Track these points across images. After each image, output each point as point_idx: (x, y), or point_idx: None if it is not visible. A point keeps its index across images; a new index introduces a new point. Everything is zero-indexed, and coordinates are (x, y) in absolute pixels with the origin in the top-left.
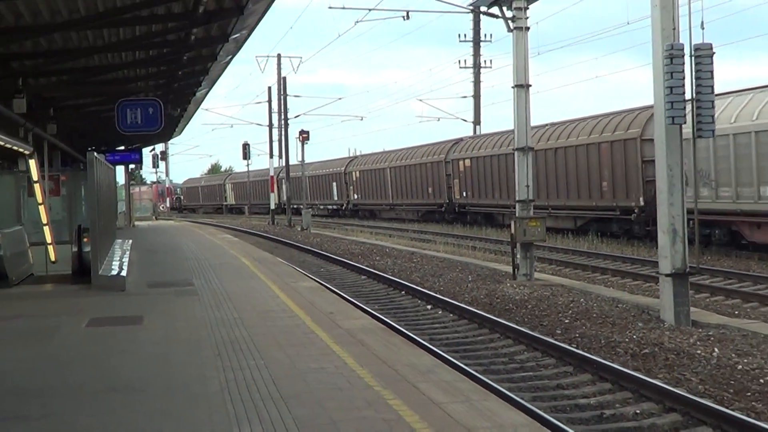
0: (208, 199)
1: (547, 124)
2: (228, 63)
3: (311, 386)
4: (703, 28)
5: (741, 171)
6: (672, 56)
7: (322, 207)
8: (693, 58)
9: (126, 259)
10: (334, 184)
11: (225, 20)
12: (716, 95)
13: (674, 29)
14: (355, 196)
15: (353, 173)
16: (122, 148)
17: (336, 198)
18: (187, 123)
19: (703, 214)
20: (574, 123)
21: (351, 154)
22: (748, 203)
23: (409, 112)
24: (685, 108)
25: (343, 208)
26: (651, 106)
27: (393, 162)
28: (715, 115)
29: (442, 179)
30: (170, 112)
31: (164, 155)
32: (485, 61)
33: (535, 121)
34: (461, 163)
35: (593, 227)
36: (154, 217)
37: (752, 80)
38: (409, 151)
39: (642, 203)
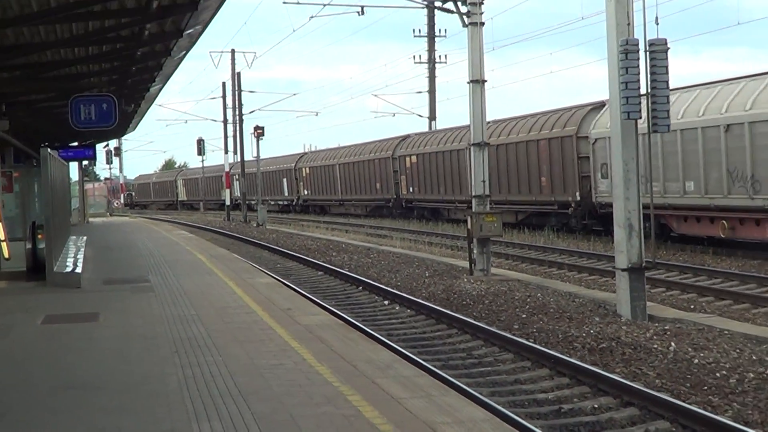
0: (159, 196)
1: (490, 122)
2: (182, 58)
3: (270, 382)
4: (657, 24)
5: (668, 167)
6: (627, 51)
7: (273, 203)
8: (648, 53)
9: (81, 256)
10: (285, 180)
11: (179, 15)
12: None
13: (629, 24)
14: (305, 192)
15: (303, 169)
16: (76, 144)
17: (287, 194)
18: (141, 119)
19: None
20: (515, 120)
21: (306, 150)
22: (674, 197)
23: (364, 107)
24: (640, 103)
25: (294, 203)
26: (587, 104)
27: (342, 158)
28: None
29: (390, 175)
30: (124, 108)
31: (118, 151)
32: (440, 57)
33: (490, 116)
34: (408, 159)
35: (533, 221)
36: (108, 214)
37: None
38: (357, 148)
39: (578, 198)
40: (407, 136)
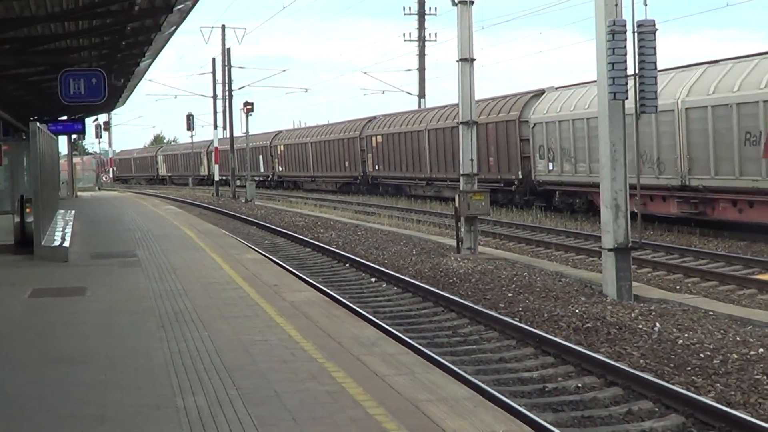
0: (140, 171)
1: (446, 106)
2: (172, 34)
3: (255, 358)
4: (646, 5)
5: (593, 149)
6: (614, 32)
7: (252, 178)
8: (636, 34)
9: (69, 230)
10: (261, 156)
11: None
12: (582, 84)
13: (617, 5)
14: (280, 169)
15: (278, 147)
16: (65, 118)
17: (263, 170)
18: (131, 93)
19: (566, 186)
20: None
21: (295, 126)
22: (597, 176)
23: (354, 84)
24: (627, 84)
25: (269, 179)
26: (529, 92)
27: (314, 137)
28: (575, 102)
29: (357, 154)
30: (113, 83)
31: (107, 126)
32: (430, 35)
33: (479, 95)
34: (374, 139)
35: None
36: (97, 188)
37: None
38: (328, 128)
39: (520, 176)
40: (374, 117)
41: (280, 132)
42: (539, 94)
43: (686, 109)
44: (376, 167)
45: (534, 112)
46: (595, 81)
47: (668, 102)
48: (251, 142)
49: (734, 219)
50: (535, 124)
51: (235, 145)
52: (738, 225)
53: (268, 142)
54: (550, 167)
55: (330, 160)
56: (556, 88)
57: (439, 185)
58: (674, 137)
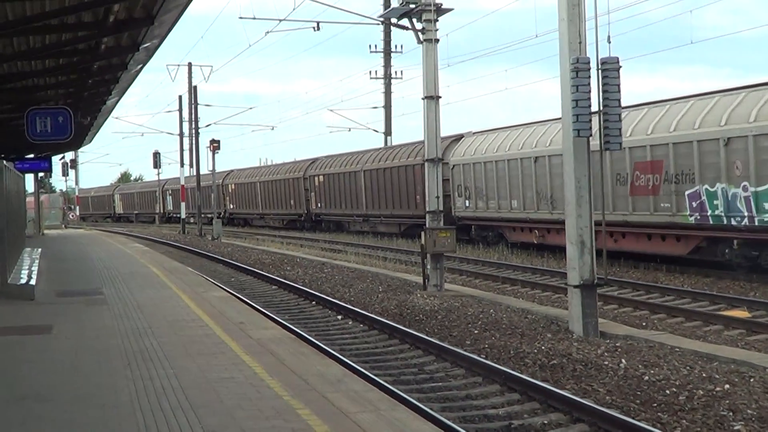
0: (97, 209)
1: (380, 148)
2: (139, 72)
3: (221, 396)
4: (609, 42)
5: (501, 188)
6: (578, 69)
7: (202, 215)
8: (600, 71)
9: (35, 268)
10: (212, 195)
11: (135, 29)
12: (494, 130)
13: (581, 43)
14: (231, 206)
15: (229, 185)
16: (32, 156)
17: (215, 207)
18: (98, 131)
19: (480, 220)
20: (399, 148)
21: (262, 164)
22: (505, 212)
23: (320, 122)
24: (591, 121)
25: (221, 216)
26: (449, 137)
27: (262, 177)
28: (487, 146)
29: (302, 193)
30: (80, 121)
31: (74, 163)
32: (396, 72)
33: (445, 131)
34: (316, 179)
35: (412, 231)
36: (63, 226)
37: (664, 92)
38: (275, 168)
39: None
40: (317, 159)
41: (232, 171)
42: (458, 138)
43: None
44: (319, 205)
45: (453, 154)
46: (502, 127)
47: (557, 147)
48: (206, 181)
49: (611, 248)
50: (454, 166)
51: (201, 183)
52: (705, 262)
53: (220, 181)
54: (467, 204)
55: (277, 199)
56: (474, 133)
57: (374, 221)
58: (563, 178)
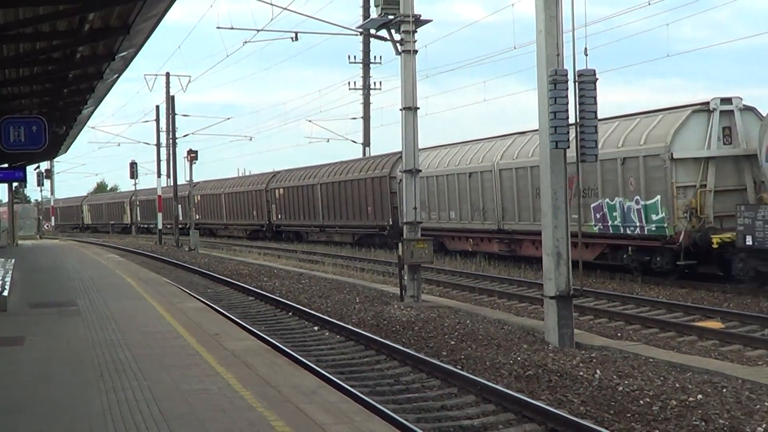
0: (66, 219)
1: (336, 163)
2: (115, 81)
3: (194, 408)
4: (586, 55)
5: (441, 201)
6: (556, 81)
7: (169, 226)
8: (577, 83)
9: (8, 279)
10: (180, 206)
11: (111, 39)
12: (436, 147)
13: (558, 55)
14: (197, 217)
15: (195, 197)
16: (5, 165)
17: (181, 218)
18: (73, 141)
19: (423, 231)
20: (352, 163)
21: (240, 174)
22: (445, 222)
23: (298, 132)
24: (568, 133)
25: (187, 226)
26: (397, 153)
27: (226, 189)
28: (429, 162)
29: (264, 204)
30: (55, 130)
31: (49, 173)
32: (375, 83)
33: (423, 143)
34: (277, 191)
35: (364, 240)
36: (38, 236)
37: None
38: (239, 180)
39: (391, 223)
40: (278, 172)
41: (198, 183)
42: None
43: (500, 170)
44: (279, 216)
45: (400, 169)
46: (443, 145)
47: (488, 164)
48: (170, 193)
49: (533, 255)
50: (400, 180)
51: (178, 193)
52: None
53: (186, 192)
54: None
55: (240, 210)
56: (419, 150)
57: (329, 231)
58: (492, 192)
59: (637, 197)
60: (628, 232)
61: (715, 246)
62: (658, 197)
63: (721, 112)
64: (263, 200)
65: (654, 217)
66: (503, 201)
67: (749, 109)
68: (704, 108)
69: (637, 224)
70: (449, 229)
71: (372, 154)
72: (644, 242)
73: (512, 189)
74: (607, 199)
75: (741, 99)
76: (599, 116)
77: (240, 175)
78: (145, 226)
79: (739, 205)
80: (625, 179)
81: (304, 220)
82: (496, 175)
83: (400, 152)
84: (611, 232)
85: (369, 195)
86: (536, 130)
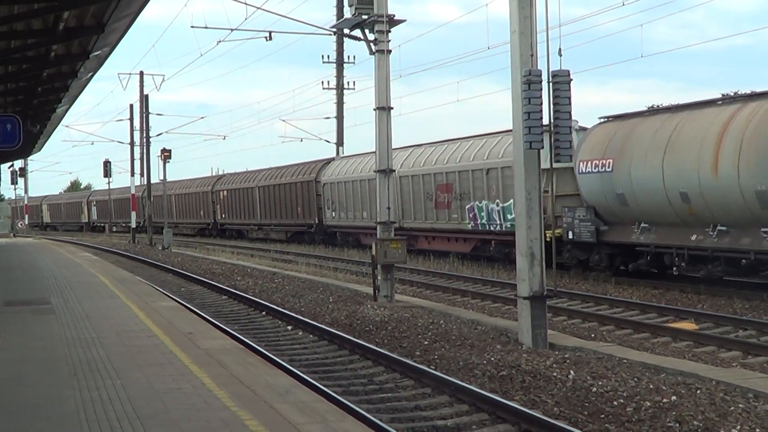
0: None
1: (271, 168)
2: (89, 80)
3: (168, 406)
4: (560, 55)
5: (356, 202)
6: (530, 82)
7: (123, 225)
8: (551, 84)
9: None
10: (130, 206)
11: (85, 37)
12: (354, 155)
13: (532, 56)
14: (137, 217)
15: (135, 197)
16: None
17: (137, 217)
18: (47, 139)
19: (343, 228)
20: (285, 168)
21: (215, 173)
22: (359, 221)
23: (272, 131)
24: (542, 133)
25: (141, 225)
26: (321, 160)
27: (176, 190)
28: (347, 168)
29: (209, 205)
30: (29, 129)
31: (23, 172)
32: (348, 83)
33: (396, 143)
34: (221, 193)
35: (295, 238)
36: (12, 235)
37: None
38: (187, 183)
39: (317, 222)
40: (223, 176)
41: (152, 184)
42: (329, 161)
43: (400, 177)
44: (223, 215)
45: (324, 175)
46: (359, 154)
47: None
48: (126, 194)
49: (427, 248)
50: (324, 184)
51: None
52: (653, 275)
53: (140, 194)
54: (333, 215)
55: (188, 210)
56: (341, 158)
57: (266, 229)
58: (398, 195)
59: (498, 200)
60: (492, 228)
61: (547, 240)
62: (512, 200)
63: None
64: (209, 201)
65: (509, 217)
66: (402, 203)
67: (583, 129)
68: (547, 129)
69: (498, 222)
70: (363, 227)
71: (343, 155)
72: (504, 237)
73: (410, 193)
74: (477, 202)
75: (577, 121)
76: (488, 131)
77: (218, 173)
78: (102, 224)
79: (564, 206)
80: (489, 186)
81: (245, 219)
82: (397, 181)
83: (325, 159)
84: (480, 228)
85: (298, 197)
86: (430, 143)
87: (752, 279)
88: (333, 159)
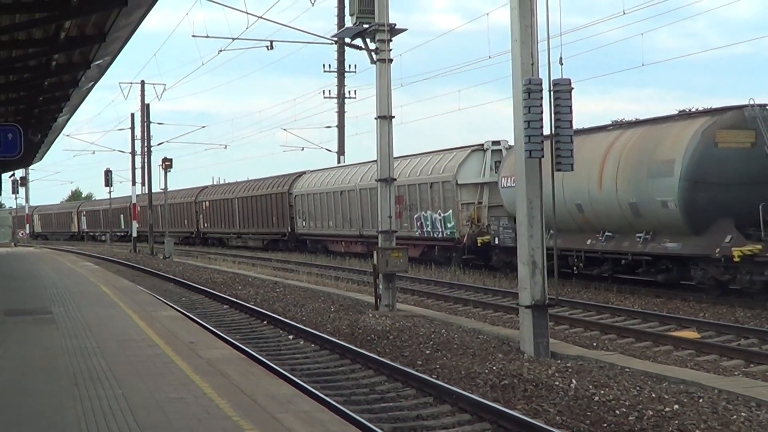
0: (19, 228)
1: (250, 180)
2: (90, 89)
3: (169, 416)
4: (561, 64)
5: (324, 213)
6: (530, 90)
7: (112, 234)
8: (552, 93)
9: None
10: (122, 215)
11: (87, 47)
12: (324, 169)
13: (533, 64)
14: (137, 225)
15: (137, 207)
16: None
17: (123, 227)
18: (48, 149)
19: (312, 236)
20: (262, 180)
21: (215, 183)
22: (326, 230)
23: (274, 141)
24: (543, 142)
25: (127, 234)
26: (294, 173)
27: (161, 201)
28: (315, 181)
29: (193, 214)
30: (30, 138)
31: (24, 181)
32: (349, 92)
33: (398, 151)
34: (204, 204)
35: (270, 245)
36: (13, 244)
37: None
38: (172, 194)
39: (289, 230)
40: (205, 187)
41: (138, 196)
42: (300, 174)
43: (360, 189)
44: (206, 225)
45: (295, 187)
46: (329, 168)
47: (353, 185)
48: (115, 204)
49: None
50: (296, 196)
51: (154, 202)
52: (653, 283)
53: (128, 204)
54: (303, 224)
55: (174, 219)
56: (311, 171)
57: (245, 237)
58: (356, 206)
59: (440, 210)
60: (436, 235)
61: (479, 245)
62: (450, 211)
63: (492, 150)
64: (193, 211)
65: (449, 225)
66: (362, 213)
67: (512, 147)
68: (480, 148)
69: (440, 230)
70: (330, 235)
71: (345, 163)
72: (445, 243)
73: (368, 204)
74: (423, 212)
75: (507, 141)
76: (436, 148)
77: (218, 182)
78: (92, 234)
79: (492, 216)
80: (432, 198)
81: (225, 228)
82: (358, 193)
83: (297, 173)
84: (426, 236)
85: (273, 208)
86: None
87: (635, 276)
88: (305, 172)
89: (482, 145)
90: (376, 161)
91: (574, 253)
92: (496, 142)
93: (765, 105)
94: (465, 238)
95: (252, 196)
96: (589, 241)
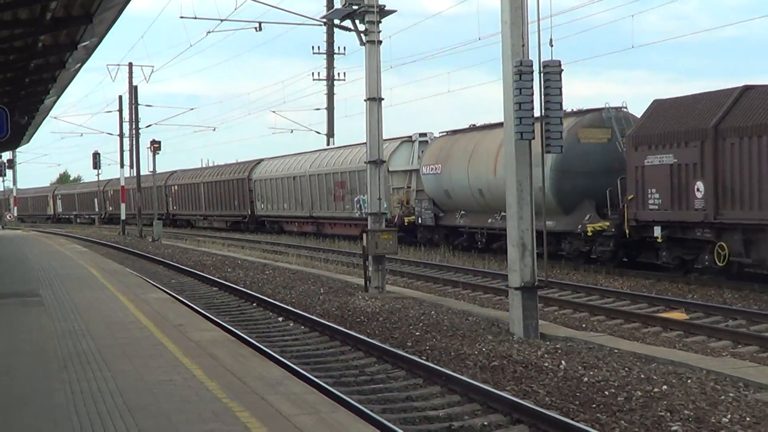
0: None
1: (216, 165)
2: (77, 71)
3: (159, 398)
4: (552, 45)
5: (280, 197)
6: (521, 72)
7: (86, 216)
8: (542, 74)
9: None
10: (95, 199)
11: (73, 28)
12: (281, 156)
13: (523, 46)
14: (110, 208)
15: (108, 191)
16: None
17: (96, 209)
18: (36, 131)
19: (270, 218)
20: (226, 167)
21: (204, 165)
22: (282, 212)
23: (263, 123)
24: (533, 124)
25: (102, 216)
26: (253, 160)
27: (134, 184)
28: (271, 168)
29: (162, 198)
30: (17, 120)
31: (11, 164)
32: (339, 74)
33: (387, 133)
34: (173, 188)
35: (233, 226)
36: (0, 227)
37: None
38: (145, 178)
39: (249, 213)
40: (174, 172)
41: (110, 180)
42: (259, 162)
43: (309, 175)
44: (175, 207)
45: (255, 173)
46: (285, 155)
47: (304, 171)
48: (87, 188)
49: (332, 233)
50: (255, 181)
51: (143, 184)
52: (645, 265)
53: (102, 188)
54: (262, 207)
55: (146, 202)
56: (269, 159)
57: (210, 219)
58: (306, 190)
59: None
60: None
61: (406, 224)
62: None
63: (419, 141)
64: (162, 194)
65: (384, 207)
66: (312, 196)
67: (435, 139)
68: (409, 139)
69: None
70: (285, 216)
71: (333, 145)
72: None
73: (317, 188)
74: (361, 195)
75: (433, 133)
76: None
77: (207, 164)
78: (67, 216)
79: (417, 199)
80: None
81: (192, 210)
82: (308, 179)
83: (256, 160)
84: (363, 216)
85: (235, 192)
86: (333, 148)
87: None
88: (263, 160)
89: (411, 136)
90: (322, 150)
91: (479, 231)
92: (423, 134)
93: (619, 107)
94: (396, 218)
95: (216, 181)
96: (489, 220)
